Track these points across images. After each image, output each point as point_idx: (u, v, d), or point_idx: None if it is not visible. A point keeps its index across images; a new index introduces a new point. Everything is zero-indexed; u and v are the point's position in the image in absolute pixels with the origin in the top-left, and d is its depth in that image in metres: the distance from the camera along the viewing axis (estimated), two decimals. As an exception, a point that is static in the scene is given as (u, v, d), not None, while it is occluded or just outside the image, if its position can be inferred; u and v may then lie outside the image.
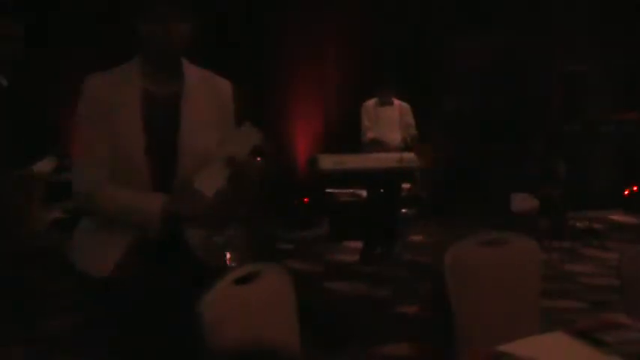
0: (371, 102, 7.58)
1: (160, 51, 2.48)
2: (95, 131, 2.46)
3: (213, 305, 2.15)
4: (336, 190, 8.54)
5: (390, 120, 7.53)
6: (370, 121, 7.55)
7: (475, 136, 4.99)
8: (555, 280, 6.40)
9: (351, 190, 8.44)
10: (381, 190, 7.43)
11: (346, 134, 8.07)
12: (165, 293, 2.49)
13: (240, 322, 2.21)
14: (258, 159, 3.89)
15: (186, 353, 2.42)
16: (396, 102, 7.58)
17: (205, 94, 2.59)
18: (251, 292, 2.30)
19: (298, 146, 9.51)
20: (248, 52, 8.80)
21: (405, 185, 7.82)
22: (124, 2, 2.66)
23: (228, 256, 2.18)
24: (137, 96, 2.49)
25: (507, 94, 5.26)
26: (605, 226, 9.05)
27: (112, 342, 2.52)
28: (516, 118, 5.38)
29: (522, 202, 6.97)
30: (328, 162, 7.39)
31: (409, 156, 7.08)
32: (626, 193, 10.05)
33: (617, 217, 9.76)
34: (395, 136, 7.49)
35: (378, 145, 7.42)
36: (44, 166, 3.88)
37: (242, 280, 2.29)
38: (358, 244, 7.57)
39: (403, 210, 8.00)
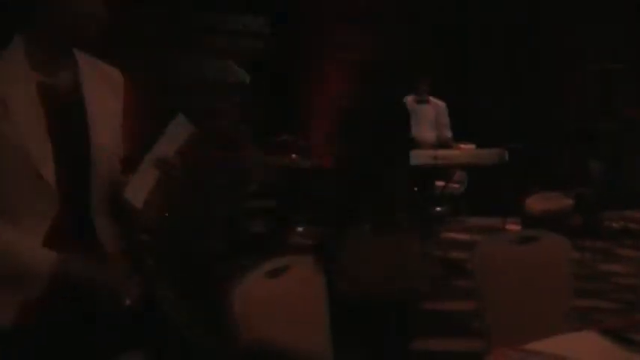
0: (409, 99, 7.56)
1: (68, 30, 1.97)
2: None
3: (243, 298, 2.19)
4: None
5: (425, 118, 7.50)
6: None
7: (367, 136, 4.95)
8: (588, 280, 6.35)
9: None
10: (415, 188, 7.41)
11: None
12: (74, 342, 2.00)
13: (269, 315, 2.24)
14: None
15: None
16: (432, 100, 7.56)
17: (102, 84, 2.11)
18: (281, 285, 2.33)
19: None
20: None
21: (440, 183, 7.80)
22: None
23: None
24: (34, 91, 1.95)
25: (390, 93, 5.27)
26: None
27: None
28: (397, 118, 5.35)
29: (554, 200, 6.94)
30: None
31: (444, 153, 7.06)
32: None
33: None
34: (429, 135, 7.47)
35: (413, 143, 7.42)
36: None
37: (272, 274, 2.32)
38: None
39: (437, 208, 7.96)
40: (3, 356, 1.96)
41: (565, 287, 2.93)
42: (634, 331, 2.26)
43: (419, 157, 7.20)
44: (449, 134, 7.57)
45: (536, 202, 7.04)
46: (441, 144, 7.37)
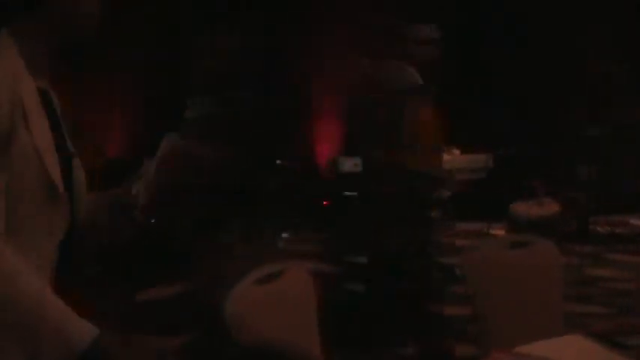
0: None
1: (71, 30, 1.73)
2: None
3: (236, 304, 2.20)
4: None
5: None
6: None
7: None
8: (577, 285, 6.37)
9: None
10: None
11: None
12: None
13: (261, 321, 2.26)
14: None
15: None
16: None
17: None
18: (272, 291, 2.35)
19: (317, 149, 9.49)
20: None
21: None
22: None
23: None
24: (38, 98, 1.66)
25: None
26: (630, 230, 8.97)
27: None
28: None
29: (540, 205, 6.96)
30: (349, 164, 7.40)
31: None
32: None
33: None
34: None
35: None
36: None
37: (264, 280, 2.33)
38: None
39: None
40: None
41: (556, 291, 2.95)
42: (622, 335, 2.29)
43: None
44: None
45: (522, 207, 7.07)
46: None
